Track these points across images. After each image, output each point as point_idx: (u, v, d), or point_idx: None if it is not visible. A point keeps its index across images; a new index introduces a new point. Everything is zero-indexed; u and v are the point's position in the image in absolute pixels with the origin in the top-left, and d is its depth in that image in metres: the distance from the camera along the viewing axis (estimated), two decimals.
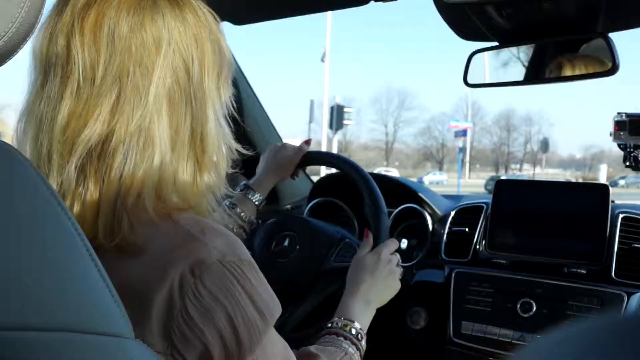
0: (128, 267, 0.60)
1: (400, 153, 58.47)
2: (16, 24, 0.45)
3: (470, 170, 50.23)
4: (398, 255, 1.15)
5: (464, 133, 28.03)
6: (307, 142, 1.37)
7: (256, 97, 1.78)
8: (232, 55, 0.77)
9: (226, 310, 0.59)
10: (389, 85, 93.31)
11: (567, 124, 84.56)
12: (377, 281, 1.08)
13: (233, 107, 0.76)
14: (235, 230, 1.22)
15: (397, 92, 65.26)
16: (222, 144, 0.72)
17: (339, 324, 0.99)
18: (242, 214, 1.25)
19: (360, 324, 1.00)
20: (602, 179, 21.47)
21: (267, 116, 1.83)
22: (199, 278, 0.58)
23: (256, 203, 1.28)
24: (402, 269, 1.15)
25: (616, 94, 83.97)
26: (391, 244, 1.15)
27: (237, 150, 0.77)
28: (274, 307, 0.65)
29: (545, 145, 30.54)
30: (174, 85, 0.65)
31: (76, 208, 0.62)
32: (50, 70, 0.63)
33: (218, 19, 0.73)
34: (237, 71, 1.66)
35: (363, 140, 58.23)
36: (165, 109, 0.65)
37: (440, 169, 51.65)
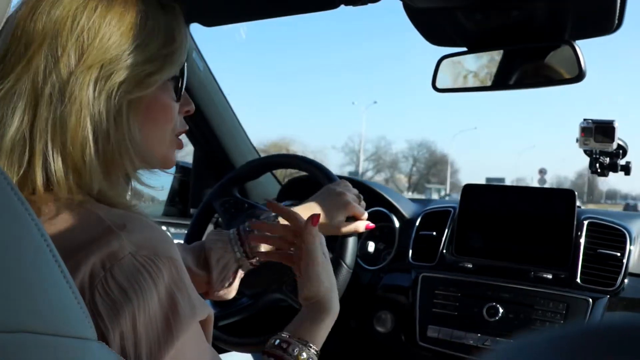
0: None
1: None
2: None
3: None
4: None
5: None
6: (368, 227, 1.15)
7: (229, 105, 1.76)
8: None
9: (132, 306, 0.56)
10: None
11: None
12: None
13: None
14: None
15: None
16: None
17: (293, 350, 0.82)
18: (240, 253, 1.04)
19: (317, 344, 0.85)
20: None
21: (236, 119, 1.80)
22: (109, 271, 0.57)
23: (253, 264, 1.05)
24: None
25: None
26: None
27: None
28: (189, 313, 0.59)
29: None
30: None
31: None
32: None
33: None
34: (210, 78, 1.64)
35: None
36: None
37: None
